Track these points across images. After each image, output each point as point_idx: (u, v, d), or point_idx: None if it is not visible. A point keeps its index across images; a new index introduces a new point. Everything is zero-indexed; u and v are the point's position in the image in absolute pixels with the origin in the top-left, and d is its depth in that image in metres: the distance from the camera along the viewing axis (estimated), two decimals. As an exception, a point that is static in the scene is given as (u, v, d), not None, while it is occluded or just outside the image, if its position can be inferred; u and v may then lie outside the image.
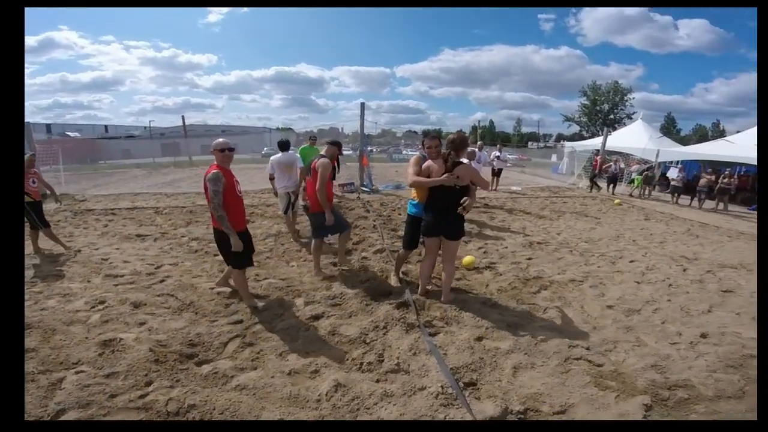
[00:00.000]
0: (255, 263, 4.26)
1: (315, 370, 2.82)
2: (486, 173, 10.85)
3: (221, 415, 2.33)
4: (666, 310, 4.05)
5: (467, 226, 6.14)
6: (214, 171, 3.38)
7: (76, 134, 46.83)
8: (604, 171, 14.23)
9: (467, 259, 5.17)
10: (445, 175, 3.48)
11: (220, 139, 3.55)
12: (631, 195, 13.38)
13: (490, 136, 57.58)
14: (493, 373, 2.82)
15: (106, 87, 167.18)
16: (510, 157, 23.96)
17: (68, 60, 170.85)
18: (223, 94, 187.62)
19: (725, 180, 11.44)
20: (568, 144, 23.75)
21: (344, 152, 11.16)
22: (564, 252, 6.04)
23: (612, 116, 48.41)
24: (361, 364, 2.91)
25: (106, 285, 4.26)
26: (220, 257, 4.99)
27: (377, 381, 2.72)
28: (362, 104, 12.17)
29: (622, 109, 48.74)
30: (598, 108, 49.16)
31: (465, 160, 3.76)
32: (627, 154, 17.69)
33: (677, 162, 14.37)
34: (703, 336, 3.49)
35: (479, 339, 3.26)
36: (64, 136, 41.64)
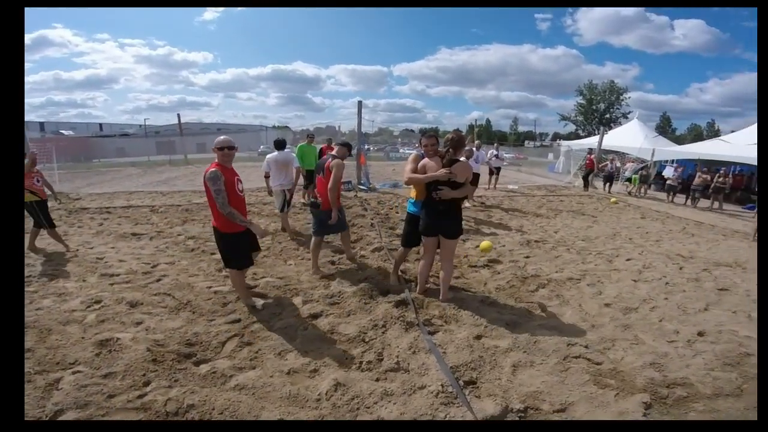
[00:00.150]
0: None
1: (314, 370, 2.81)
2: (483, 172, 10.87)
3: (221, 415, 2.32)
4: (663, 308, 4.06)
5: (465, 225, 6.14)
6: (212, 170, 3.31)
7: (70, 132, 46.47)
8: (601, 170, 14.29)
9: (484, 243, 5.43)
10: (440, 171, 3.49)
11: (222, 137, 3.49)
12: (630, 193, 13.45)
13: (487, 135, 57.64)
14: (493, 372, 2.82)
15: (101, 85, 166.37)
16: (507, 156, 23.98)
17: (62, 58, 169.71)
18: (219, 92, 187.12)
19: (720, 179, 11.50)
20: (564, 143, 23.79)
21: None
22: (561, 250, 6.05)
23: (608, 115, 48.70)
24: (361, 363, 2.90)
25: (101, 284, 4.22)
26: (217, 256, 4.99)
27: (377, 380, 2.71)
28: (359, 102, 12.18)
29: (618, 109, 49.08)
30: (594, 107, 49.42)
31: (463, 158, 3.76)
32: (623, 153, 17.77)
33: (673, 161, 14.45)
34: (701, 334, 3.51)
35: (478, 337, 3.26)
36: (58, 134, 41.37)
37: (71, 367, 2.72)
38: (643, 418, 2.38)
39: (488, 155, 12.40)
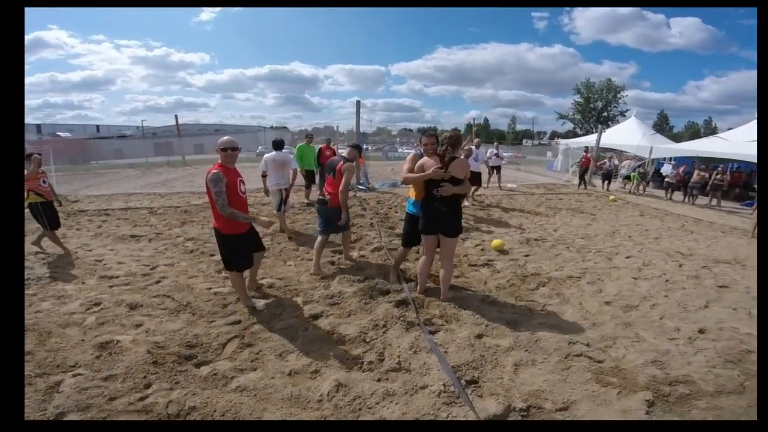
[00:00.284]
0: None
1: (315, 370, 2.80)
2: (483, 171, 10.85)
3: (222, 416, 2.31)
4: (663, 305, 4.07)
5: (464, 224, 6.15)
6: (215, 171, 3.29)
7: (67, 134, 46.34)
8: (599, 168, 14.30)
9: (495, 242, 5.88)
10: (432, 169, 3.49)
11: (224, 138, 3.48)
12: (630, 192, 13.47)
13: (485, 134, 57.72)
14: (495, 371, 2.82)
15: (97, 86, 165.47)
16: (505, 154, 23.99)
17: (58, 59, 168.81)
18: (216, 92, 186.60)
19: (718, 176, 11.53)
20: (562, 141, 23.86)
21: (340, 150, 11.14)
22: (561, 248, 6.06)
23: (605, 114, 48.83)
24: (362, 363, 2.89)
25: (101, 286, 4.21)
26: (216, 257, 4.98)
27: (378, 380, 2.71)
28: (358, 102, 12.15)
29: (615, 107, 49.21)
30: (591, 105, 49.53)
31: (462, 156, 3.77)
32: (621, 151, 17.80)
33: (671, 159, 14.48)
34: (701, 331, 3.51)
35: (479, 336, 3.26)
36: (54, 136, 41.22)
37: (71, 369, 2.71)
38: (646, 416, 2.38)
39: (488, 154, 12.40)
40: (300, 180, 9.46)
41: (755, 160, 11.15)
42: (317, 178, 9.09)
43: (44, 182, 5.33)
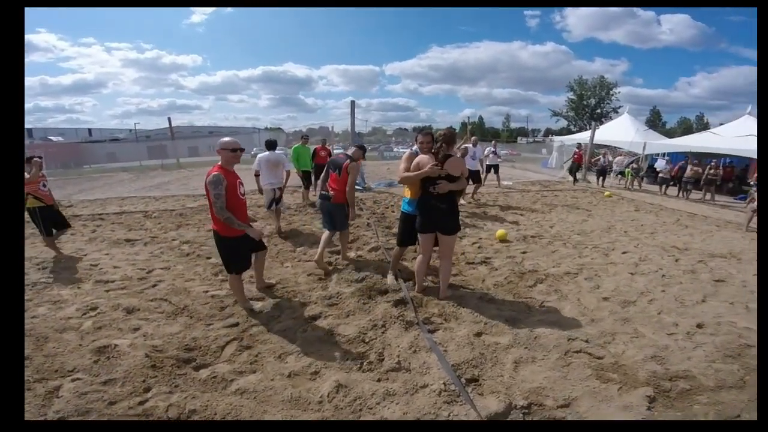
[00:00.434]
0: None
1: (315, 372, 2.79)
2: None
3: (223, 419, 2.29)
4: (661, 300, 4.08)
5: (460, 221, 6.13)
6: (215, 173, 3.26)
7: (59, 138, 45.86)
8: (593, 164, 14.36)
9: (500, 232, 6.28)
10: (428, 166, 3.49)
11: (227, 138, 3.45)
12: (625, 187, 13.55)
13: (480, 132, 57.79)
14: (495, 369, 2.82)
15: (88, 90, 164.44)
16: (502, 152, 24.05)
17: (47, 63, 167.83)
18: (210, 94, 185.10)
19: (711, 171, 11.61)
20: (556, 138, 23.88)
21: (335, 151, 11.12)
22: (558, 245, 6.07)
23: (599, 110, 49.02)
24: (362, 363, 2.88)
25: (97, 291, 4.17)
26: (213, 260, 4.96)
27: (378, 380, 2.70)
28: (352, 102, 12.15)
29: (608, 104, 49.41)
30: (584, 102, 49.74)
31: (458, 155, 3.77)
32: (615, 147, 17.88)
33: (664, 154, 14.56)
34: (700, 326, 3.53)
35: (478, 334, 3.26)
36: (46, 140, 40.74)
37: (70, 374, 2.68)
38: (648, 412, 2.38)
39: (486, 152, 12.40)
40: (297, 181, 9.45)
41: (747, 155, 11.28)
42: (313, 178, 9.11)
43: (44, 186, 5.27)
